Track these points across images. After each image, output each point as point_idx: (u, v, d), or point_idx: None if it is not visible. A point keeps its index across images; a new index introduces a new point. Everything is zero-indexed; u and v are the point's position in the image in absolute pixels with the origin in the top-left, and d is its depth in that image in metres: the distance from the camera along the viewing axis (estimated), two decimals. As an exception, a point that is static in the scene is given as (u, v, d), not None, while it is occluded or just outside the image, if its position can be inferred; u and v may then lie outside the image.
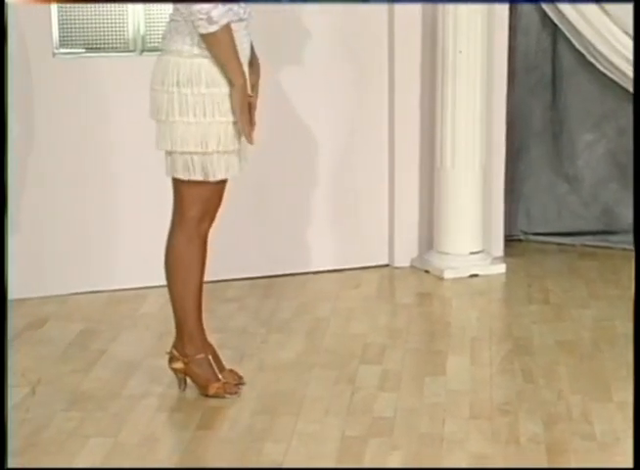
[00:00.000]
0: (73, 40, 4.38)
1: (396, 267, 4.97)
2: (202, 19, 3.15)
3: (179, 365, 3.50)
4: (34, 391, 3.54)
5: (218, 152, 3.31)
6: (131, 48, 4.42)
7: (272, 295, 4.58)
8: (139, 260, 4.52)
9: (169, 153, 3.34)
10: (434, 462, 3.06)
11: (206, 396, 3.46)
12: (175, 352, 3.50)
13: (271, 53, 4.63)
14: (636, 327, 3.26)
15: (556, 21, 5.01)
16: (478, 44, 4.69)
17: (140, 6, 4.39)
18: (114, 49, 4.40)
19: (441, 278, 4.79)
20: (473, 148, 4.78)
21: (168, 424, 3.33)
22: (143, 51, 4.41)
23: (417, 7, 4.78)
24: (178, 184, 3.37)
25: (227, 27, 3.19)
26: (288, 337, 4.07)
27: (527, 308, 4.42)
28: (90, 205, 4.51)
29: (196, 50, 3.26)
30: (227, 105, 3.28)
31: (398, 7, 4.75)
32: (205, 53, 3.25)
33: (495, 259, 4.97)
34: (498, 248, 5.10)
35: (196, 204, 3.38)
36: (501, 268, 4.90)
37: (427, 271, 4.89)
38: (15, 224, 4.38)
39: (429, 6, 4.77)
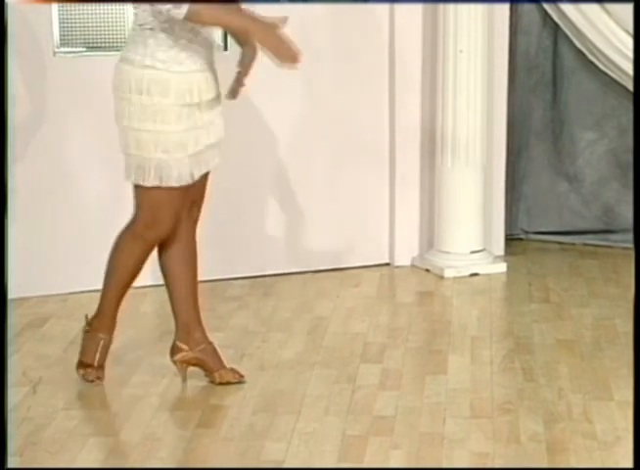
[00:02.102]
0: (74, 39, 4.39)
1: (397, 266, 4.97)
2: (170, 9, 3.19)
3: (182, 356, 3.52)
4: (35, 389, 3.54)
5: (167, 159, 3.34)
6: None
7: (272, 294, 4.58)
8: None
9: (126, 155, 3.40)
10: (435, 461, 3.06)
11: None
12: (179, 344, 3.53)
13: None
14: (636, 327, 3.27)
15: (557, 20, 5.01)
16: (478, 43, 4.69)
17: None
18: (115, 48, 4.39)
19: (442, 277, 4.79)
20: (473, 146, 4.78)
21: (169, 423, 3.33)
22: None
23: (418, 6, 4.78)
24: (135, 186, 3.43)
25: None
26: (288, 336, 4.07)
27: (528, 307, 4.42)
28: (91, 203, 4.51)
29: (147, 61, 3.31)
30: (175, 115, 3.32)
31: (399, 6, 4.75)
32: (158, 64, 3.30)
33: (496, 258, 4.97)
34: (499, 247, 5.10)
35: (146, 208, 3.43)
36: (502, 267, 4.90)
37: (427, 270, 4.89)
38: (15, 223, 4.38)
39: (429, 5, 4.77)
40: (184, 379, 3.57)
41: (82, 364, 3.60)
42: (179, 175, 3.37)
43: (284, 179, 4.78)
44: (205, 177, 3.51)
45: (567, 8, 4.89)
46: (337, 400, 3.46)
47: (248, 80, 3.46)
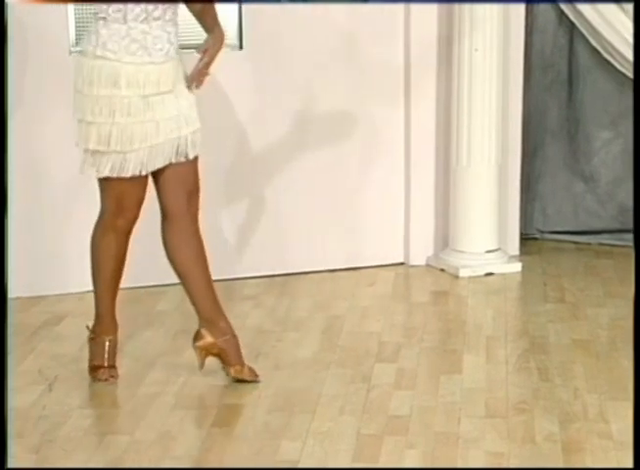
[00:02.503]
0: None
1: (412, 266, 4.96)
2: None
3: (203, 342, 3.52)
4: (51, 388, 3.55)
5: (122, 151, 3.35)
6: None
7: (288, 293, 4.59)
8: (156, 258, 4.51)
9: (82, 149, 3.42)
10: (450, 461, 3.06)
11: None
12: (203, 331, 3.53)
13: (286, 52, 4.66)
14: (636, 327, 3.25)
15: (573, 18, 5.00)
16: (494, 42, 4.68)
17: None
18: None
19: (457, 276, 4.79)
20: (489, 146, 4.77)
21: (184, 422, 3.34)
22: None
23: (433, 5, 4.77)
24: (98, 178, 3.45)
25: None
26: (303, 335, 4.07)
27: (543, 307, 4.41)
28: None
29: (99, 51, 3.32)
30: (127, 107, 3.32)
31: (415, 5, 4.75)
32: (109, 54, 3.30)
33: (511, 258, 4.96)
34: (514, 246, 5.09)
35: (110, 198, 3.47)
36: (517, 267, 4.89)
37: (442, 270, 4.88)
38: (33, 222, 4.40)
39: (445, 4, 4.76)
40: (201, 366, 3.55)
41: (93, 367, 3.62)
42: (134, 167, 3.37)
43: (299, 179, 4.77)
44: (189, 168, 3.47)
45: (583, 7, 4.88)
46: (352, 400, 3.46)
47: (212, 69, 3.42)
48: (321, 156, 4.80)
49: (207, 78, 3.44)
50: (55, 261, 4.49)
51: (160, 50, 3.34)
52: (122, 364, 3.68)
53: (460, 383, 3.60)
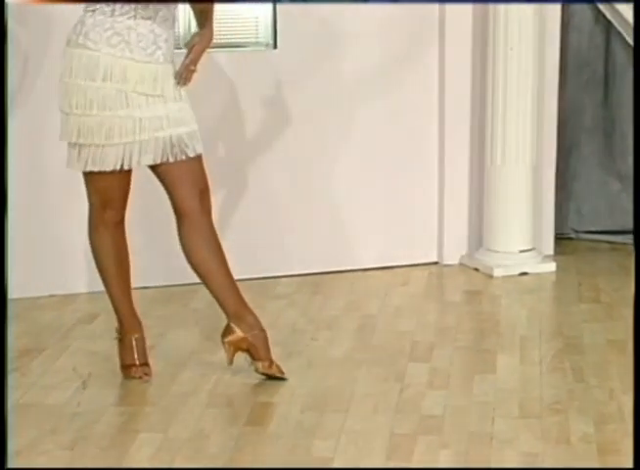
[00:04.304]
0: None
1: (445, 265, 4.95)
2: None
3: (234, 337, 3.51)
4: (85, 385, 3.56)
5: (100, 144, 3.33)
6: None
7: (321, 292, 4.58)
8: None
9: (67, 143, 3.41)
10: (484, 461, 3.04)
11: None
12: (232, 326, 3.52)
13: (320, 52, 4.66)
14: (636, 327, 3.22)
15: (609, 17, 4.96)
16: (529, 41, 4.66)
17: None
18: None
19: (491, 276, 4.77)
20: (523, 145, 4.75)
21: (218, 420, 3.34)
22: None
23: (468, 4, 4.75)
24: (82, 173, 3.44)
25: None
26: (336, 334, 4.07)
27: (578, 307, 4.38)
28: (143, 201, 4.52)
29: (80, 39, 3.31)
30: (102, 99, 3.30)
31: (449, 5, 4.73)
32: (89, 43, 3.28)
33: (545, 258, 4.94)
34: (549, 246, 5.06)
35: (94, 193, 3.47)
36: (551, 267, 4.86)
37: (476, 269, 4.87)
38: (67, 220, 4.42)
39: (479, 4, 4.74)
40: (230, 362, 3.54)
41: (125, 367, 3.62)
42: (115, 161, 3.35)
43: (333, 179, 4.77)
44: (194, 166, 3.43)
45: (620, 5, 4.84)
46: (385, 399, 3.45)
47: (199, 65, 3.39)
48: (356, 156, 4.79)
49: (195, 75, 3.40)
50: (88, 259, 4.49)
51: (144, 49, 3.31)
52: (155, 363, 3.69)
53: (494, 383, 3.59)
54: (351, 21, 4.66)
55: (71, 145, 3.40)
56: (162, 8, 3.31)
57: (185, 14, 4.36)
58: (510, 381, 3.62)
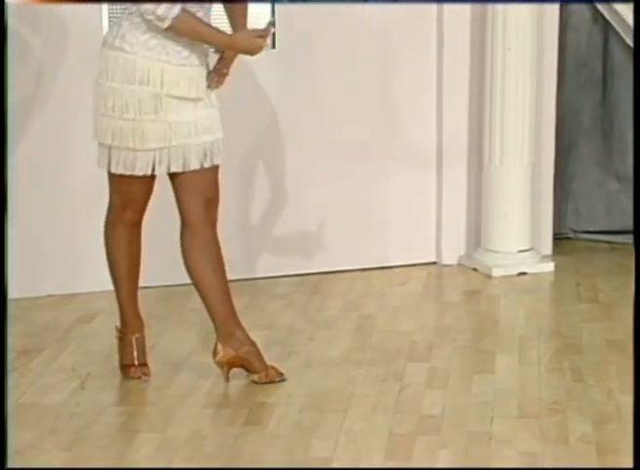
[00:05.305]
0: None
1: (444, 265, 4.95)
2: (152, 19, 3.19)
3: (223, 357, 3.51)
4: (83, 385, 3.56)
5: (134, 149, 3.32)
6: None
7: (319, 292, 4.59)
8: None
9: (98, 143, 3.41)
10: (483, 461, 3.04)
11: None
12: (221, 346, 3.51)
13: (319, 52, 4.66)
14: (636, 327, 3.22)
15: (607, 17, 4.97)
16: (527, 41, 4.66)
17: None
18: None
19: (489, 276, 4.77)
20: (522, 145, 4.75)
21: (216, 420, 3.34)
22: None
23: (466, 4, 4.76)
24: (108, 172, 3.44)
25: (183, 15, 3.19)
26: (335, 334, 4.07)
27: (576, 307, 4.38)
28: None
29: (117, 42, 3.29)
30: (137, 103, 3.28)
31: (447, 4, 4.73)
32: (126, 46, 3.26)
33: (544, 258, 4.94)
34: (547, 246, 5.07)
35: (118, 193, 3.47)
36: (550, 267, 4.87)
37: (474, 269, 4.87)
38: (66, 220, 4.42)
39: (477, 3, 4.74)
40: (227, 379, 3.55)
41: (124, 367, 3.62)
42: (146, 166, 3.34)
43: (332, 178, 4.77)
44: (208, 176, 3.40)
45: (618, 5, 4.84)
46: (384, 399, 3.45)
47: (231, 69, 3.41)
48: (353, 155, 4.79)
49: (228, 79, 3.41)
50: (87, 259, 4.50)
51: (179, 53, 3.29)
52: (154, 362, 3.69)
53: (492, 383, 3.59)
54: (351, 21, 4.66)
55: (103, 145, 3.38)
56: (200, 10, 3.28)
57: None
58: (509, 381, 3.62)
